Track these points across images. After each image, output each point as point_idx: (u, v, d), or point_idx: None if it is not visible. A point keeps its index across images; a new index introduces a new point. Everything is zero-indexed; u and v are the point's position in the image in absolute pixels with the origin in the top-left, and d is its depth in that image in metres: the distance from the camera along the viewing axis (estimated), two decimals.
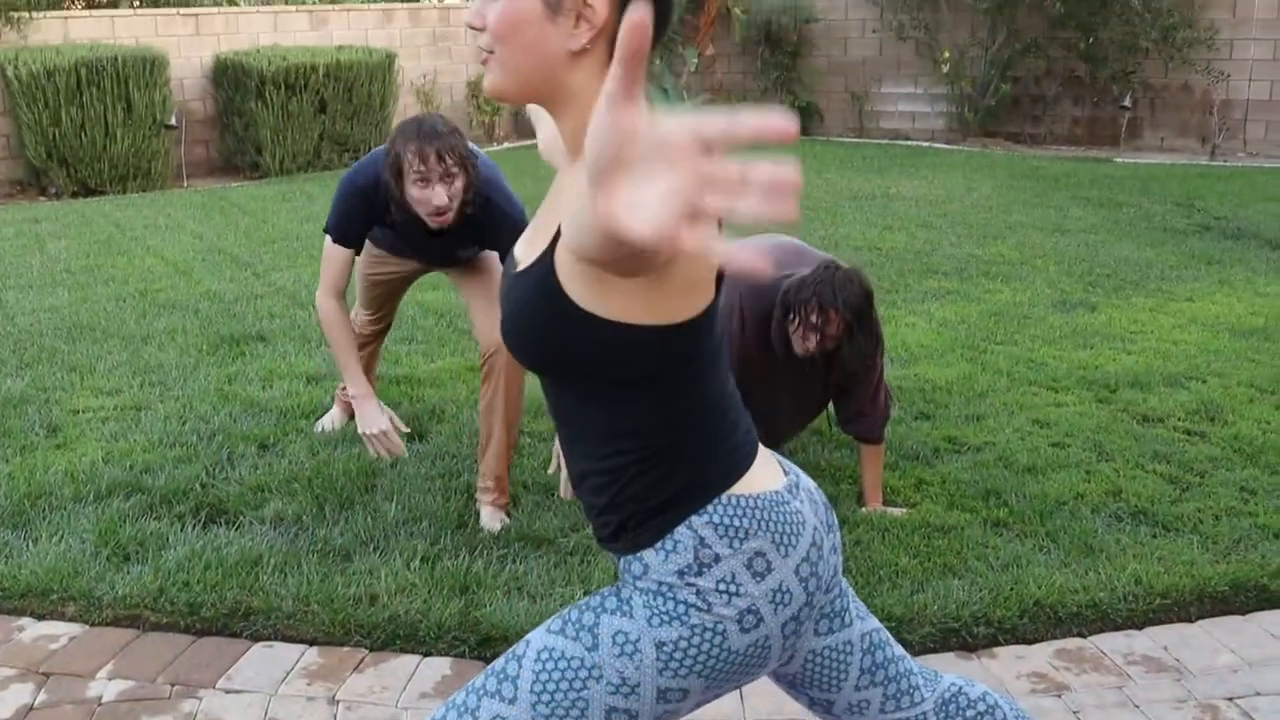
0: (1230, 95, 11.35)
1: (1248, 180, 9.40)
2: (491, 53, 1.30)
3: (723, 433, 1.37)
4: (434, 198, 2.99)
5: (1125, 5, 11.51)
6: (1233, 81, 11.34)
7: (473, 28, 1.31)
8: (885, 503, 3.33)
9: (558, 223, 1.27)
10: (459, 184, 3.02)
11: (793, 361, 3.15)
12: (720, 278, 1.31)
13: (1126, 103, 11.52)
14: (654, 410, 1.33)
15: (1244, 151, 11.22)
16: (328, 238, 3.26)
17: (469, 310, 3.55)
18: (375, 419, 3.20)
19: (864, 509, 3.30)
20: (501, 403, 3.36)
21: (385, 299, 3.82)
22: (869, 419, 3.30)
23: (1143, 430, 3.90)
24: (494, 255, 3.42)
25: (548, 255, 1.28)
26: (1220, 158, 10.89)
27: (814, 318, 3.02)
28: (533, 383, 4.41)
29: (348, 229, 3.24)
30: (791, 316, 3.06)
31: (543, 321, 1.29)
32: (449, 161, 2.98)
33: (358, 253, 3.37)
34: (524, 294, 1.31)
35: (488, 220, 3.15)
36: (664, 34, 1.29)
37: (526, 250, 1.35)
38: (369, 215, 3.22)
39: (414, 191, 3.00)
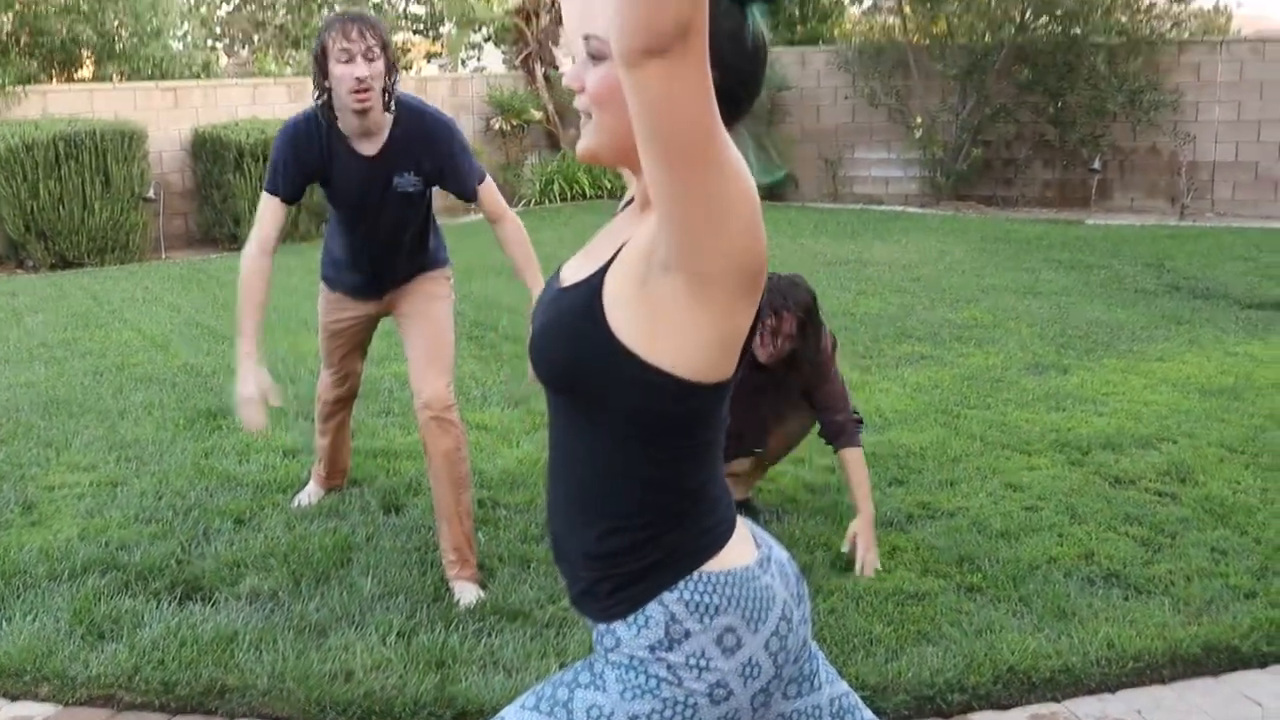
0: (1197, 157, 11.56)
1: (1216, 240, 9.55)
2: (589, 115, 1.35)
3: (705, 509, 1.40)
4: (355, 70, 3.14)
5: (1092, 70, 11.75)
6: (1199, 143, 11.55)
7: (572, 90, 1.36)
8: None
9: (613, 250, 1.33)
10: (379, 65, 3.19)
11: (760, 374, 3.40)
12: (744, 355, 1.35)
13: (1096, 165, 11.71)
14: (650, 467, 1.37)
15: (1212, 211, 11.40)
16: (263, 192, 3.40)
17: (410, 358, 3.54)
18: (246, 384, 3.21)
19: (854, 525, 3.41)
20: (444, 465, 3.37)
21: (347, 352, 3.82)
22: (843, 416, 3.54)
23: (1114, 492, 3.94)
24: (442, 304, 3.54)
25: (596, 279, 1.33)
26: (1189, 218, 11.06)
27: (770, 323, 3.38)
28: (509, 453, 4.45)
29: (277, 176, 3.35)
30: None
31: (574, 341, 1.33)
32: (369, 39, 3.17)
33: (288, 202, 3.38)
34: (562, 310, 1.36)
35: (421, 132, 3.36)
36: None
37: (574, 271, 1.40)
38: (299, 161, 3.34)
39: (337, 70, 3.16)
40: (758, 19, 1.32)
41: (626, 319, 1.30)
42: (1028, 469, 4.16)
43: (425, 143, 3.36)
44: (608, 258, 1.34)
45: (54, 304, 7.82)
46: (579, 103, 1.37)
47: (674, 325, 1.28)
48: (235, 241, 10.16)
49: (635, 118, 1.18)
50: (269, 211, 3.35)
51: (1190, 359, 5.64)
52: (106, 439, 4.74)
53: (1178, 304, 6.97)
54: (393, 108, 3.29)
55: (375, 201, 3.41)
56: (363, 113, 3.23)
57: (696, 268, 1.25)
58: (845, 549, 3.37)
